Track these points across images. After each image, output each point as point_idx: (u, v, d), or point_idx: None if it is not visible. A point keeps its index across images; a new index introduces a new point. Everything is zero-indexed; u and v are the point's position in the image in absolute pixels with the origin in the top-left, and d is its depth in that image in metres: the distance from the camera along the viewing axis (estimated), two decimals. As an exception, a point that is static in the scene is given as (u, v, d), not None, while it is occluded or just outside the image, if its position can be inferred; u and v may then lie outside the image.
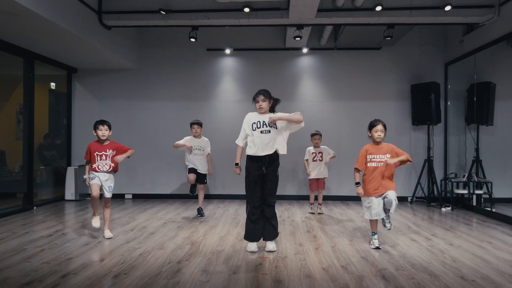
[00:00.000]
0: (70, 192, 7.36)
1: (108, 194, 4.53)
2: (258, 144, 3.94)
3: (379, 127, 4.13)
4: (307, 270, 3.38)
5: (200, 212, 5.93)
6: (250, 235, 4.04)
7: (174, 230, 4.95)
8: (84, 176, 4.60)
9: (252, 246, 3.99)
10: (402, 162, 4.06)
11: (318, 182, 6.15)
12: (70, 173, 7.41)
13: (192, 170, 5.79)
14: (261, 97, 4.01)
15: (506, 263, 3.61)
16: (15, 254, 3.82)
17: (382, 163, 4.09)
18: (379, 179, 4.07)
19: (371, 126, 4.19)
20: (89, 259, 3.68)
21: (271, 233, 4.04)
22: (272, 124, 3.96)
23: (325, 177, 6.18)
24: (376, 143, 4.19)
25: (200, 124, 5.90)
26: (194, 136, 5.86)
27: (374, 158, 4.14)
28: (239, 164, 4.16)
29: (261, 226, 4.04)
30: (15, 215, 5.87)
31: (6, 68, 7.29)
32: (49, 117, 7.78)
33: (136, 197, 7.81)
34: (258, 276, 3.21)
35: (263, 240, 4.09)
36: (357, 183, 4.15)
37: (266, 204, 4.02)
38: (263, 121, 3.99)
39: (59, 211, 6.30)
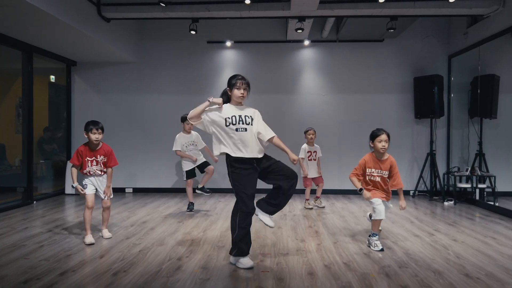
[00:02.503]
0: (70, 186, 7.32)
1: (106, 198, 4.18)
2: (238, 145, 3.23)
3: (383, 137, 3.79)
4: (309, 267, 3.34)
5: (204, 190, 5.83)
6: (245, 246, 3.33)
7: (174, 225, 4.91)
8: (74, 184, 4.03)
9: (249, 261, 3.33)
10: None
11: (317, 179, 6.14)
12: (70, 167, 7.34)
13: (190, 174, 5.69)
14: (245, 84, 3.29)
15: (511, 259, 3.56)
16: (14, 250, 3.79)
17: (380, 177, 3.93)
18: (379, 189, 3.96)
19: (374, 136, 3.85)
20: (88, 255, 3.64)
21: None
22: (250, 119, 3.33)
23: (321, 175, 6.17)
24: (380, 154, 3.91)
25: None
26: (186, 131, 5.70)
27: (373, 172, 3.93)
28: None
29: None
30: (15, 210, 5.85)
31: (5, 61, 7.22)
32: (49, 110, 7.71)
33: (137, 191, 7.77)
34: (259, 274, 3.17)
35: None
36: (361, 189, 3.87)
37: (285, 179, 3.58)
38: (239, 116, 3.26)
39: (59, 206, 6.27)
